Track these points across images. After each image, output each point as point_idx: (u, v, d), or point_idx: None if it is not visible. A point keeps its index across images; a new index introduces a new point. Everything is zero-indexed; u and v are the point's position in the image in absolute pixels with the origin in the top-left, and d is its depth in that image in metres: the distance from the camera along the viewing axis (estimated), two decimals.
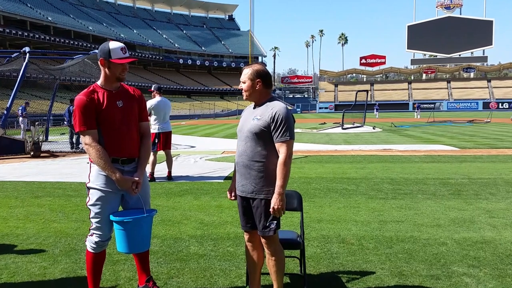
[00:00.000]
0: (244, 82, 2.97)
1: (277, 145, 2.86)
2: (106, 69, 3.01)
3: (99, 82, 3.08)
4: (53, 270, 3.82)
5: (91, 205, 3.01)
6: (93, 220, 3.02)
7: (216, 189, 7.48)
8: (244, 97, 3.03)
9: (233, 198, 3.15)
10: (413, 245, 4.39)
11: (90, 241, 3.06)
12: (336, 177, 8.59)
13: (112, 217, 2.95)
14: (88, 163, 3.13)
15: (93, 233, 3.04)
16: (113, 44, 3.00)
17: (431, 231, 4.84)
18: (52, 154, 13.76)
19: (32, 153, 13.14)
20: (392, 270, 3.74)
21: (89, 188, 3.03)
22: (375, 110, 47.90)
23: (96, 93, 3.00)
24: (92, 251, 3.07)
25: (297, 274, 3.70)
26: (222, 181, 8.29)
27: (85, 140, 2.94)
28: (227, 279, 3.60)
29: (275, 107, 2.88)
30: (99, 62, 3.01)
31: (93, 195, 3.00)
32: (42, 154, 13.40)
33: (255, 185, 2.90)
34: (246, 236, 3.13)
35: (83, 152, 14.33)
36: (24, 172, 9.97)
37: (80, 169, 10.35)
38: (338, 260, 4.00)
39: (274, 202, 2.81)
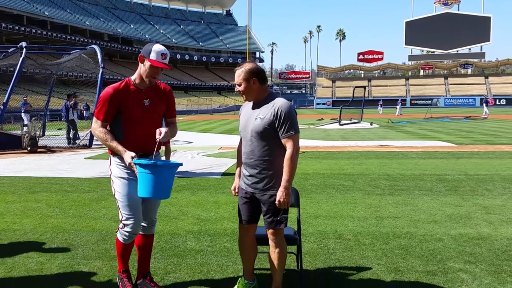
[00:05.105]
0: (240, 85, 2.95)
1: (283, 140, 2.89)
2: (141, 66, 3.09)
3: (133, 77, 3.15)
4: (50, 266, 3.82)
5: (117, 195, 3.09)
6: (123, 210, 3.08)
7: (213, 185, 7.49)
8: (244, 99, 3.03)
9: (237, 194, 3.17)
10: (410, 241, 4.41)
11: (122, 234, 3.14)
12: (333, 173, 8.60)
13: (138, 161, 2.91)
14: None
15: (124, 225, 3.10)
16: (157, 47, 3.07)
17: (427, 227, 4.86)
18: (49, 150, 13.74)
19: (29, 148, 13.11)
20: (389, 266, 3.75)
21: (112, 180, 3.12)
22: (379, 106, 46.06)
23: (125, 89, 3.08)
24: (123, 242, 3.17)
25: (294, 269, 3.71)
26: (219, 177, 8.29)
27: (93, 125, 3.10)
28: (224, 274, 3.61)
29: (277, 104, 2.89)
30: (138, 57, 3.11)
31: (117, 186, 3.09)
32: (39, 150, 13.36)
33: (266, 183, 2.94)
34: (244, 230, 3.15)
35: (80, 147, 14.32)
36: (21, 167, 9.95)
37: (76, 164, 10.33)
38: (335, 256, 4.01)
39: (280, 195, 2.86)
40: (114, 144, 3.01)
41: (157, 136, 2.96)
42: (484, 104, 36.44)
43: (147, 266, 3.36)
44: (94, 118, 3.10)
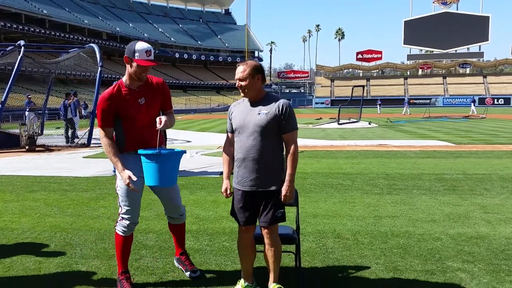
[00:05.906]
0: (243, 80, 2.96)
1: (286, 135, 3.00)
2: (129, 67, 3.12)
3: (124, 79, 3.21)
4: (48, 265, 3.81)
5: (118, 189, 3.22)
6: (122, 204, 3.22)
7: (212, 184, 7.48)
8: (244, 95, 3.05)
9: (229, 196, 3.15)
10: (408, 240, 4.41)
11: (121, 225, 3.26)
12: (331, 172, 8.60)
13: (143, 151, 3.01)
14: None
15: (122, 218, 3.25)
16: (140, 45, 3.09)
17: (426, 226, 4.86)
18: (47, 148, 13.72)
19: (27, 147, 13.09)
20: (387, 265, 3.75)
21: (117, 175, 3.24)
22: (378, 105, 46.84)
23: (119, 92, 3.15)
24: (122, 234, 3.28)
25: (292, 268, 3.71)
26: (218, 176, 8.29)
27: (100, 133, 3.21)
28: (222, 273, 3.61)
29: (279, 100, 3.01)
30: (124, 59, 3.15)
31: (119, 181, 3.20)
32: (37, 148, 13.35)
33: (266, 177, 2.98)
34: (244, 231, 3.13)
35: (78, 146, 14.30)
36: (19, 166, 9.93)
37: (75, 163, 10.32)
38: (333, 255, 4.01)
39: (287, 189, 2.95)
40: (115, 159, 3.13)
41: (157, 125, 3.05)
42: (472, 104, 39.08)
43: (182, 247, 3.65)
44: (99, 128, 3.21)
